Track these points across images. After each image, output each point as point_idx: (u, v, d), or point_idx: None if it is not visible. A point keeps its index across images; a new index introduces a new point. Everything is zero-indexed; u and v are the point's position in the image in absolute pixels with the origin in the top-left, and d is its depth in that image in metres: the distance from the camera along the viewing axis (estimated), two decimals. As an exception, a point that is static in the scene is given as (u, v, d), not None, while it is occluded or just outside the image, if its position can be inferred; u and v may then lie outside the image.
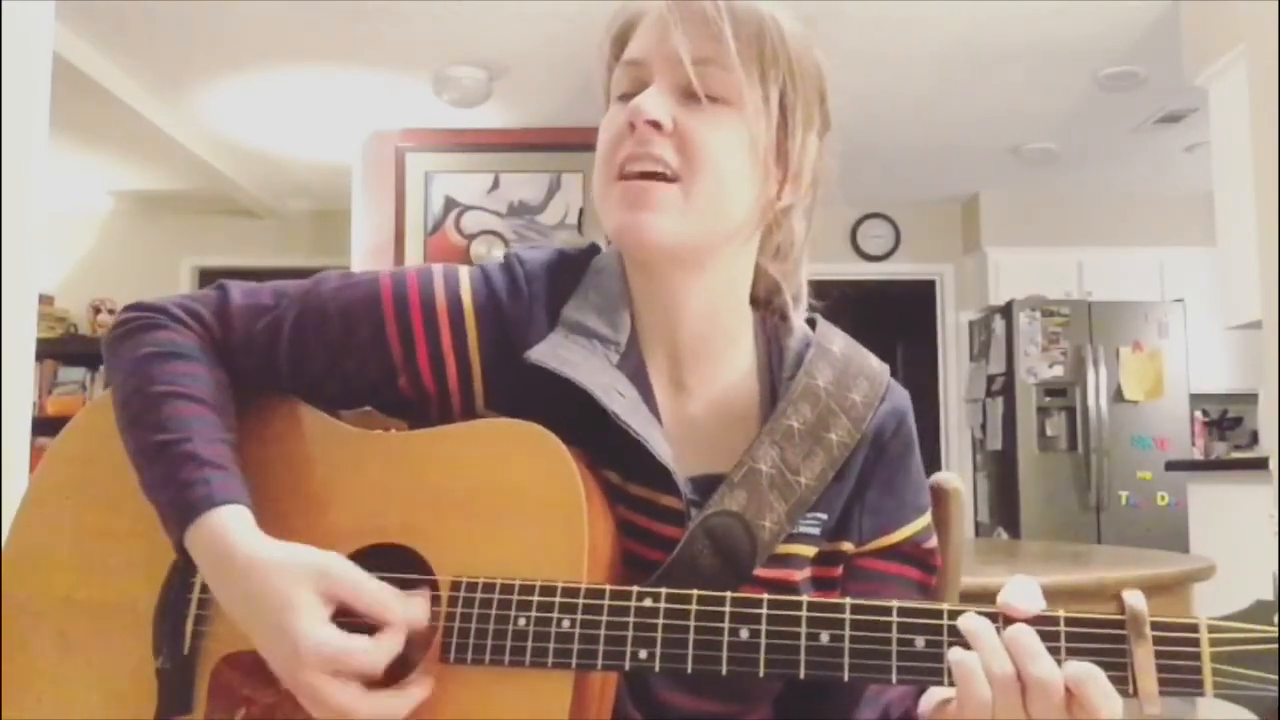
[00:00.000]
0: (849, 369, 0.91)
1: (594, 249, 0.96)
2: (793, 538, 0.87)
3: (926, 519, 0.95)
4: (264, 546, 0.79)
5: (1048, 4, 3.92)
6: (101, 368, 6.15)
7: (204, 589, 0.85)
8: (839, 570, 0.92)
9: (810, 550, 0.89)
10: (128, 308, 0.93)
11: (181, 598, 0.86)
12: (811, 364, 0.90)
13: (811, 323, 0.96)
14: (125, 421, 0.87)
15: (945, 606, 0.75)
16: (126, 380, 0.88)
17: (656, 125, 0.82)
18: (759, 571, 0.86)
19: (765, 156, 0.85)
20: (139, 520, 0.86)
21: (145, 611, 0.86)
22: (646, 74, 0.85)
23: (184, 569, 0.86)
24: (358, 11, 4.02)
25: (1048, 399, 5.75)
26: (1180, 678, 0.70)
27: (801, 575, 0.89)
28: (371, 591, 0.77)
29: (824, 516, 0.89)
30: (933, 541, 0.95)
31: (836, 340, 0.94)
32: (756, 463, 0.86)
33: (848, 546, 0.91)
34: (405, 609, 0.78)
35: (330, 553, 0.79)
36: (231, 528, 0.80)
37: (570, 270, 0.93)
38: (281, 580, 0.76)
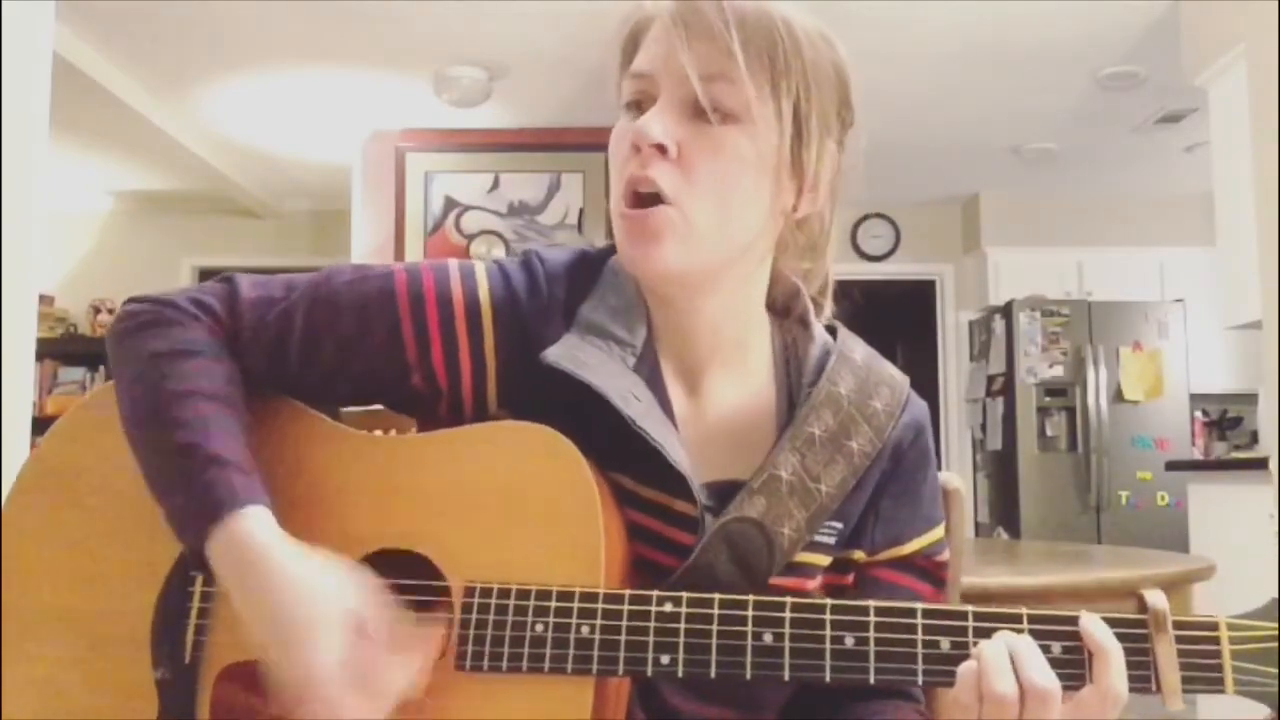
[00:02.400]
0: (870, 377, 0.90)
1: (613, 249, 0.93)
2: (809, 546, 0.86)
3: (939, 532, 0.94)
4: (291, 554, 0.77)
5: (1048, 4, 3.92)
6: (101, 368, 6.16)
7: (204, 597, 0.83)
8: (849, 578, 0.92)
9: (825, 560, 0.88)
10: (131, 300, 0.89)
11: (181, 606, 0.83)
12: (833, 371, 0.89)
13: (832, 330, 0.95)
14: (136, 421, 0.84)
15: (970, 609, 0.75)
16: (137, 378, 0.85)
17: (661, 149, 0.80)
18: (774, 580, 0.85)
19: (777, 170, 0.83)
20: (135, 525, 0.84)
21: (143, 620, 0.83)
22: (654, 87, 0.83)
23: (183, 576, 0.83)
24: (358, 11, 4.02)
25: (1048, 399, 5.75)
26: (1202, 675, 0.72)
27: (814, 584, 0.89)
28: (392, 621, 0.76)
29: (840, 525, 0.88)
30: (945, 555, 0.94)
31: (858, 349, 0.93)
32: (777, 469, 0.85)
33: (859, 555, 0.90)
34: (421, 640, 0.76)
35: (356, 569, 0.78)
36: (257, 531, 0.77)
37: (589, 271, 0.91)
38: (307, 595, 0.75)
